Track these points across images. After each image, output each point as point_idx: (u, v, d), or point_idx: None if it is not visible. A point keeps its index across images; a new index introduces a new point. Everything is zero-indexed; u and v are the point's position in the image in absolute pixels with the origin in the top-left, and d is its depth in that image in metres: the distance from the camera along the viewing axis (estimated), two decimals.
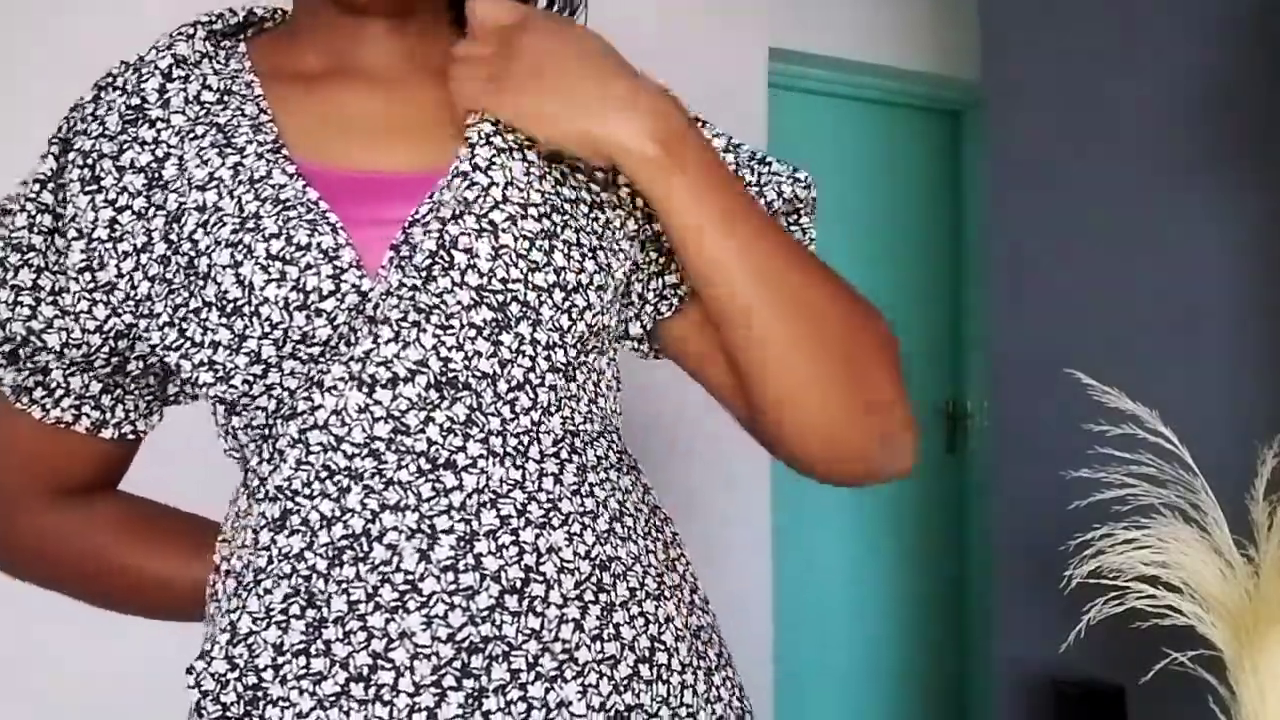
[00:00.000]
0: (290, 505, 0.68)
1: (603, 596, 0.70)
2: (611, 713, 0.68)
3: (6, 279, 0.72)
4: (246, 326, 0.65)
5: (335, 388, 0.66)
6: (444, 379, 0.67)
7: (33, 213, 0.72)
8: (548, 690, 0.67)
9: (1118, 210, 1.69)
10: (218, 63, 0.75)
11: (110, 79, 0.74)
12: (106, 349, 0.73)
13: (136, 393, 0.78)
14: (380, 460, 0.67)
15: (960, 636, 3.15)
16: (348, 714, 0.65)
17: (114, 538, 0.84)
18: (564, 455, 0.70)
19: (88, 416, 0.77)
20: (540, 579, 0.67)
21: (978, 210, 3.02)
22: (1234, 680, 1.01)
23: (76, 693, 1.77)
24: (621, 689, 0.69)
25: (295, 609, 0.67)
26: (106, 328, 0.72)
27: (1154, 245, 1.64)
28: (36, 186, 0.72)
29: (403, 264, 0.66)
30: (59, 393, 0.75)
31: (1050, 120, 1.78)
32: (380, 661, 0.65)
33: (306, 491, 0.67)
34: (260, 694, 0.67)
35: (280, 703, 0.66)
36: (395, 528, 0.66)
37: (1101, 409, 1.08)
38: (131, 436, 0.80)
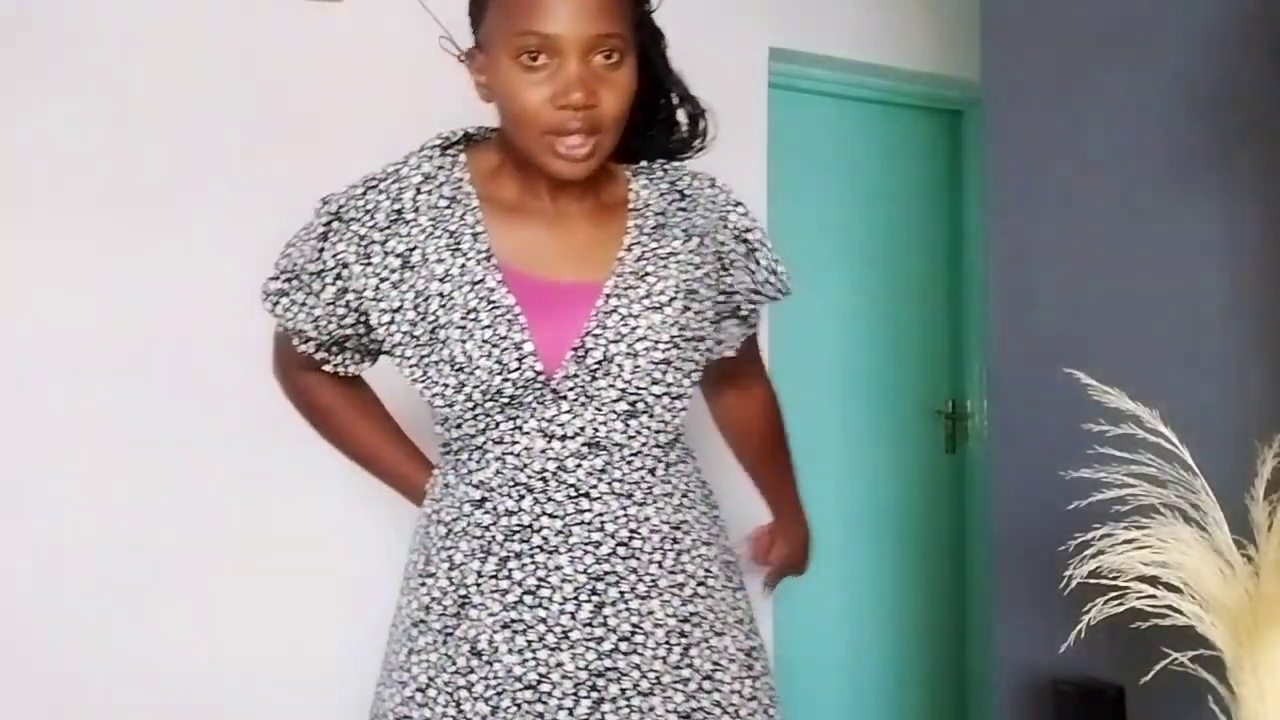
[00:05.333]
0: (485, 495, 1.11)
1: (676, 546, 1.14)
2: (682, 616, 1.13)
3: (293, 296, 1.18)
4: (465, 380, 1.08)
5: (528, 433, 1.09)
6: (593, 442, 1.10)
7: (312, 256, 1.16)
8: (641, 604, 1.10)
9: (1117, 210, 1.69)
10: (447, 171, 1.15)
11: (376, 182, 1.15)
12: (332, 342, 1.21)
13: (351, 355, 1.24)
14: (546, 484, 1.09)
15: (960, 637, 3.15)
16: (521, 613, 1.08)
17: (344, 403, 1.30)
18: (657, 458, 1.14)
19: (325, 361, 1.24)
20: (640, 537, 1.11)
21: (978, 210, 3.02)
22: (1234, 680, 1.01)
23: (76, 693, 1.77)
24: (687, 601, 1.14)
25: (482, 554, 1.10)
26: (331, 334, 1.19)
27: (1154, 245, 1.64)
28: (309, 244, 1.16)
29: (579, 359, 1.09)
30: (306, 345, 1.22)
31: (1050, 120, 1.78)
32: (542, 583, 1.09)
33: (499, 490, 1.10)
34: (466, 599, 1.11)
35: (479, 606, 1.10)
36: (548, 527, 1.09)
37: (1101, 409, 1.08)
38: (350, 374, 1.26)
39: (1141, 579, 1.03)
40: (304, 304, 1.17)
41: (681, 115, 1.22)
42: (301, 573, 1.96)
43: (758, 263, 1.24)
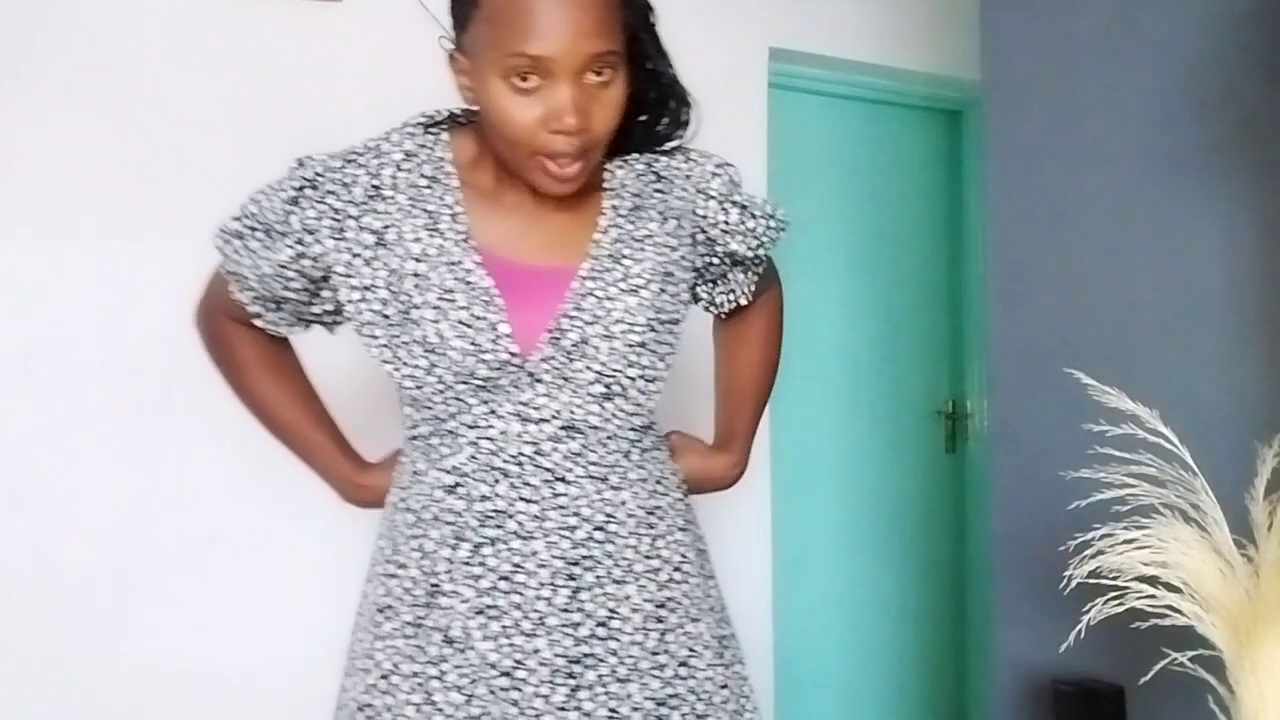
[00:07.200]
0: (459, 481, 1.08)
1: (652, 531, 1.13)
2: (658, 601, 1.12)
3: (248, 242, 1.14)
4: (437, 361, 1.05)
5: (504, 417, 1.07)
6: (569, 425, 1.08)
7: (279, 215, 1.12)
8: (618, 589, 1.09)
9: (1117, 210, 1.69)
10: (429, 150, 1.13)
11: (355, 156, 1.12)
12: (270, 299, 1.18)
13: (285, 318, 1.21)
14: (522, 468, 1.07)
15: (960, 637, 3.15)
16: (495, 599, 1.06)
17: (264, 361, 1.27)
18: (632, 442, 1.12)
19: (258, 315, 1.21)
20: (616, 522, 1.10)
21: (978, 210, 3.02)
22: (1234, 680, 1.01)
23: (76, 691, 1.77)
24: (663, 586, 1.13)
25: (454, 541, 1.08)
26: (272, 292, 1.16)
27: (1154, 245, 1.64)
28: (278, 200, 1.12)
29: (555, 341, 1.07)
30: (244, 294, 1.19)
31: (1050, 120, 1.78)
32: (517, 568, 1.06)
33: (473, 475, 1.08)
34: (437, 588, 1.08)
35: (451, 594, 1.07)
36: (523, 512, 1.07)
37: (1101, 409, 1.08)
38: (278, 334, 1.24)
39: (1141, 579, 1.03)
40: (256, 253, 1.13)
41: (671, 103, 1.17)
42: (301, 571, 1.96)
43: (754, 217, 1.23)
